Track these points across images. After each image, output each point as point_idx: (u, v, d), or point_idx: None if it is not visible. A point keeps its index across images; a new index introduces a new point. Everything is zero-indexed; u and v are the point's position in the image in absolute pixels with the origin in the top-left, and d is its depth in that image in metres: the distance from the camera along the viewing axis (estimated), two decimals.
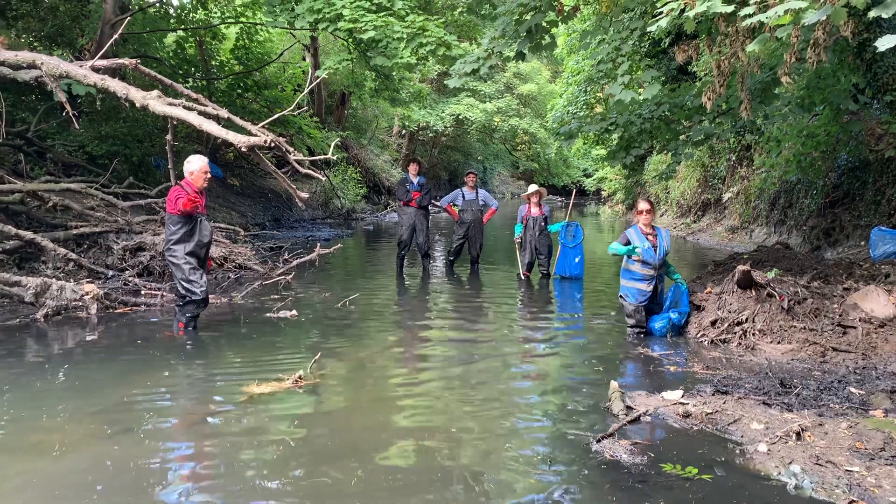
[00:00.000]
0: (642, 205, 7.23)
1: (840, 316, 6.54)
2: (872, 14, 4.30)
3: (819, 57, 5.59)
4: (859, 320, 6.43)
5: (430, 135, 34.20)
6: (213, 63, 18.81)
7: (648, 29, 6.05)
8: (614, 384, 5.02)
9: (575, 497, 3.49)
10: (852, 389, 5.13)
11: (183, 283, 6.50)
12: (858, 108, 10.24)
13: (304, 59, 25.29)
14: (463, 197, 11.65)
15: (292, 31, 17.69)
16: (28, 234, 8.22)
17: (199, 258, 6.62)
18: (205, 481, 3.60)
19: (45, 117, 12.40)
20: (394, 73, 17.51)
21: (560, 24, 8.71)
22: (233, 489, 3.49)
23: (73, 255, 8.50)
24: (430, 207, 11.50)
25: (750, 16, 4.87)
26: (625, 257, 7.17)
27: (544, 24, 8.06)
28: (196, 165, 6.52)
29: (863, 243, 10.96)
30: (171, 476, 3.65)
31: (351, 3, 11.09)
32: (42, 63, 6.92)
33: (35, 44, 13.70)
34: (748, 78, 7.34)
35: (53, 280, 7.38)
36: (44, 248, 8.30)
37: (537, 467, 3.85)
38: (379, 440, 4.24)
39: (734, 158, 18.71)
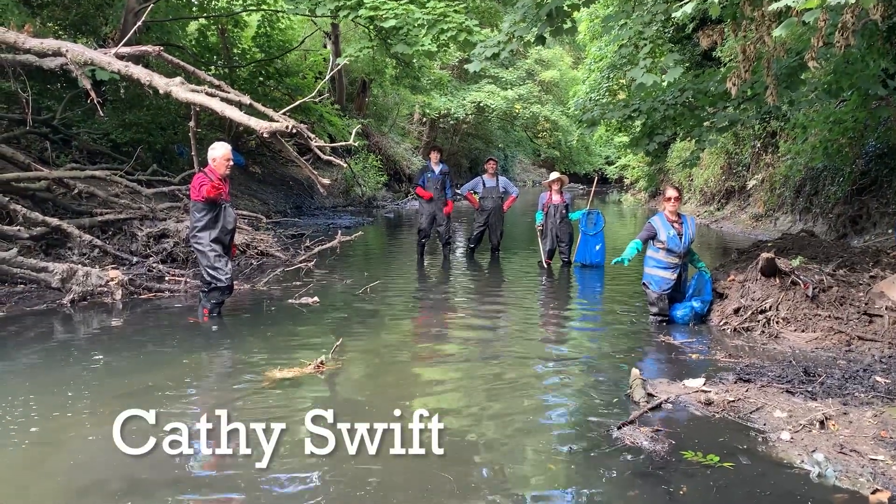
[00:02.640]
0: (670, 192, 7.12)
1: (866, 304, 6.44)
2: None
3: (847, 41, 5.48)
4: (885, 309, 6.33)
5: (451, 122, 34.05)
6: (235, 51, 18.87)
7: (673, 14, 5.97)
8: (636, 371, 5.01)
9: (595, 484, 3.49)
10: (878, 378, 5.06)
11: (208, 270, 6.56)
12: (887, 94, 10.02)
13: (325, 47, 25.28)
14: (483, 184, 11.61)
15: (313, 18, 17.69)
16: (54, 221, 8.33)
17: (224, 245, 6.66)
18: (226, 464, 3.64)
19: (70, 105, 12.54)
20: (414, 61, 17.47)
21: (582, 7, 8.61)
22: (254, 473, 3.52)
23: (99, 242, 8.61)
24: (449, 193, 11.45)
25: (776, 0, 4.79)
26: (650, 244, 7.10)
27: (565, 7, 7.97)
28: (219, 152, 6.55)
29: (890, 231, 10.79)
30: (195, 459, 3.70)
31: None
32: (67, 50, 6.98)
33: (60, 32, 13.78)
34: (774, 63, 7.22)
35: (79, 266, 7.48)
36: (70, 235, 8.41)
37: (558, 454, 3.85)
38: (398, 425, 4.25)
39: (759, 145, 18.46)
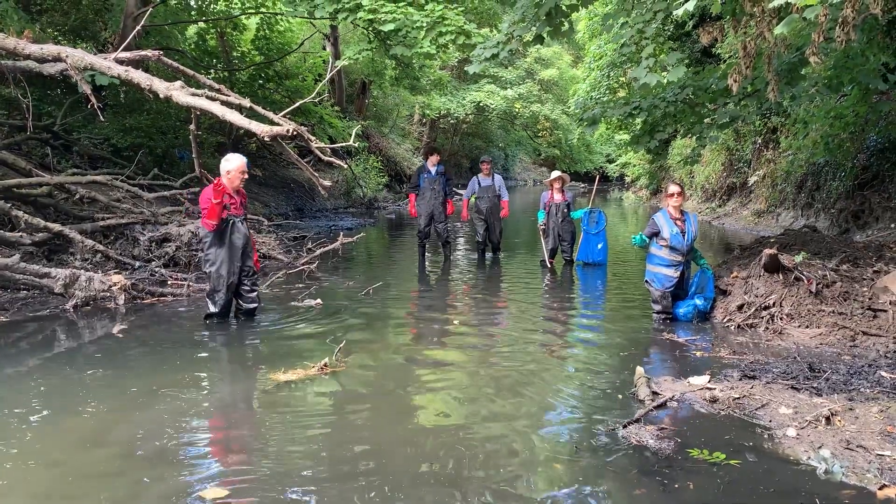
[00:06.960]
0: (672, 188, 7.10)
1: (870, 299, 6.44)
2: None
3: (848, 36, 5.46)
4: (890, 303, 6.32)
5: (451, 122, 34.09)
6: (235, 54, 18.89)
7: (674, 12, 5.96)
8: (640, 370, 5.00)
9: (601, 482, 3.48)
10: (883, 373, 5.05)
11: (208, 292, 6.70)
12: (888, 88, 10.02)
13: (324, 49, 25.30)
14: (479, 184, 11.54)
15: (312, 20, 17.70)
16: (56, 227, 8.33)
17: (234, 264, 6.59)
18: (234, 466, 3.64)
19: (71, 111, 12.53)
20: (413, 62, 17.49)
21: (580, 7, 8.59)
22: (261, 473, 3.52)
23: (101, 247, 8.60)
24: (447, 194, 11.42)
25: None
26: (652, 242, 7.09)
27: (564, 7, 7.96)
28: (233, 165, 6.54)
29: (893, 225, 10.78)
30: (202, 461, 3.70)
31: None
32: (67, 56, 6.98)
33: (59, 38, 13.79)
34: (775, 59, 7.21)
35: (82, 271, 7.49)
36: (72, 240, 8.41)
37: (563, 453, 3.84)
38: (403, 426, 4.26)
39: (760, 141, 18.45)
